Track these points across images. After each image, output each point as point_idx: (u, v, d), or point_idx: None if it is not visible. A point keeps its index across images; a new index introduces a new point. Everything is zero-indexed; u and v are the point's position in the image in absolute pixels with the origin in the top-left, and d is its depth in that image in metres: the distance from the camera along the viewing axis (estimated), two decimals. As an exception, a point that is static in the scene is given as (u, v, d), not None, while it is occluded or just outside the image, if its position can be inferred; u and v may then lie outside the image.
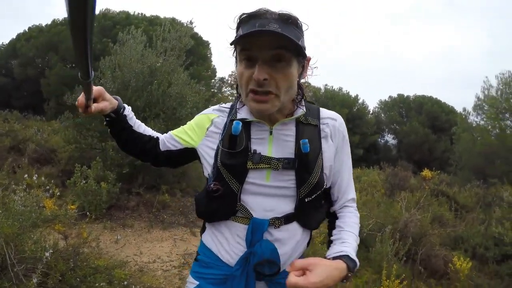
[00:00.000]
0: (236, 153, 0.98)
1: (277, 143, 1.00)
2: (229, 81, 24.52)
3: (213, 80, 21.60)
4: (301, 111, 1.02)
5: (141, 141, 1.13)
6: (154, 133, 1.17)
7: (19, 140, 6.99)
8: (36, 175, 2.59)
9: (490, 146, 11.67)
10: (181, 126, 1.15)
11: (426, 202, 5.49)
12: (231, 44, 0.91)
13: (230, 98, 24.22)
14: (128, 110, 1.12)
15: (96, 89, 0.96)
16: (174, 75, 5.70)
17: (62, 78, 15.27)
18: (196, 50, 15.29)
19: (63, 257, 2.10)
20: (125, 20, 15.40)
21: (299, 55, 0.91)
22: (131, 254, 3.72)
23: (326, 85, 25.96)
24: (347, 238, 1.01)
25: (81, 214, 3.65)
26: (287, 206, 0.99)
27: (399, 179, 8.42)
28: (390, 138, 27.79)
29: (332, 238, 1.04)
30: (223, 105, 1.12)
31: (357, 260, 0.95)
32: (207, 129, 1.07)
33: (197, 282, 1.05)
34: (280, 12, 0.89)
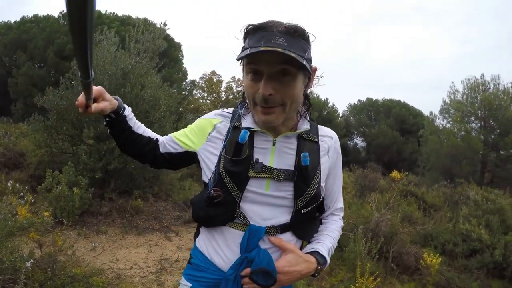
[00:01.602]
0: (239, 161, 0.99)
1: (278, 154, 1.02)
2: (200, 84, 24.26)
3: (184, 83, 21.34)
4: (304, 126, 1.05)
5: (140, 143, 1.13)
6: (154, 135, 1.18)
7: (-15, 143, 6.62)
8: (10, 182, 2.48)
9: (456, 148, 12.27)
10: (182, 129, 1.15)
11: (396, 202, 5.69)
12: (237, 59, 0.93)
13: (201, 100, 23.96)
14: (128, 111, 1.12)
15: (96, 89, 0.96)
16: (147, 78, 5.61)
17: (31, 78, 14.58)
18: (168, 52, 15.11)
19: (39, 266, 2.03)
20: (97, 20, 14.96)
21: (305, 68, 0.92)
22: (107, 261, 3.62)
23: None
24: (323, 240, 1.09)
25: (55, 221, 3.52)
26: (283, 216, 1.01)
27: (368, 180, 8.62)
28: (359, 141, 28.52)
29: (311, 239, 1.12)
30: (226, 110, 1.12)
31: (327, 257, 1.04)
32: (209, 134, 1.08)
33: (190, 284, 1.06)
34: (287, 24, 0.89)
